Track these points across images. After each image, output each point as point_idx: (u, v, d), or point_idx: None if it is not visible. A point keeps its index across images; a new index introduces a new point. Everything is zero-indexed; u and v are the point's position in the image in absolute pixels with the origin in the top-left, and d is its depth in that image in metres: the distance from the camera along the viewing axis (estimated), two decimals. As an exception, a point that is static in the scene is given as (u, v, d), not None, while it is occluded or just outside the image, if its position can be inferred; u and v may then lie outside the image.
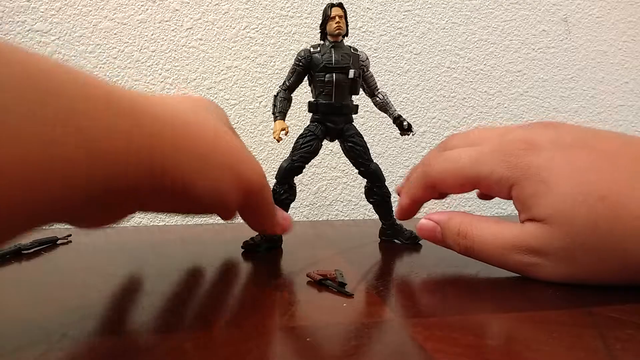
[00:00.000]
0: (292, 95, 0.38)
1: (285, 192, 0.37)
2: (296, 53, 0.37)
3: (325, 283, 0.27)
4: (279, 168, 0.37)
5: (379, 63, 0.63)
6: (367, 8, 0.62)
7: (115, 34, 0.56)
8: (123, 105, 0.20)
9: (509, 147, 0.29)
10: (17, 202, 0.16)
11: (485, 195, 0.39)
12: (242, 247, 0.36)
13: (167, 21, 0.57)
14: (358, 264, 0.33)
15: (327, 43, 0.37)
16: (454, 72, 0.65)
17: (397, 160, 0.63)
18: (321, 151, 0.38)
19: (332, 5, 0.36)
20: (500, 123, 0.67)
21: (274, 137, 0.36)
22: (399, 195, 0.37)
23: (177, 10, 0.57)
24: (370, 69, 0.39)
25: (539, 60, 0.68)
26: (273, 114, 0.37)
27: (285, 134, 0.36)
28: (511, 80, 0.67)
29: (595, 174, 0.27)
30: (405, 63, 0.64)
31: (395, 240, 0.39)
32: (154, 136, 0.21)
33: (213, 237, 0.43)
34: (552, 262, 0.27)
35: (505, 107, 0.67)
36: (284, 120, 0.36)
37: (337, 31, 0.36)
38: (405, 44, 0.63)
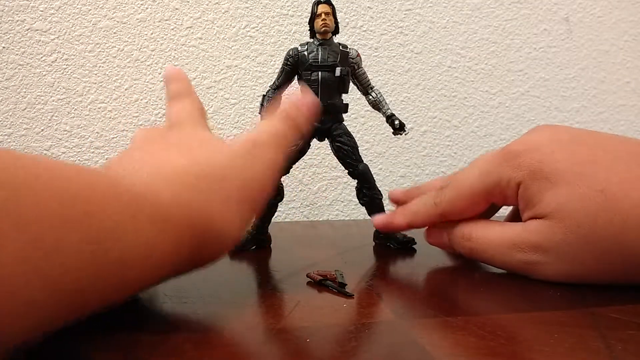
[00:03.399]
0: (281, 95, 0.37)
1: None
2: (295, 52, 0.37)
3: (326, 283, 0.27)
4: None
5: (380, 62, 0.62)
6: (368, 7, 0.62)
7: (114, 32, 0.56)
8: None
9: (510, 151, 0.30)
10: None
11: (513, 216, 0.36)
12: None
13: (166, 20, 0.57)
14: (358, 264, 0.33)
15: (315, 41, 0.36)
16: (455, 71, 0.65)
17: (397, 160, 0.63)
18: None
19: (318, 2, 0.35)
20: (501, 123, 0.67)
21: None
22: (392, 202, 0.37)
23: (177, 9, 0.57)
24: (363, 67, 0.38)
25: (540, 60, 0.68)
26: (260, 113, 0.36)
27: None
28: (512, 80, 0.67)
29: (594, 167, 0.27)
30: (406, 62, 0.63)
31: (389, 244, 0.38)
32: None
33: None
34: (554, 259, 0.27)
35: (507, 107, 0.67)
36: None
37: (323, 28, 0.35)
38: (406, 43, 0.63)
